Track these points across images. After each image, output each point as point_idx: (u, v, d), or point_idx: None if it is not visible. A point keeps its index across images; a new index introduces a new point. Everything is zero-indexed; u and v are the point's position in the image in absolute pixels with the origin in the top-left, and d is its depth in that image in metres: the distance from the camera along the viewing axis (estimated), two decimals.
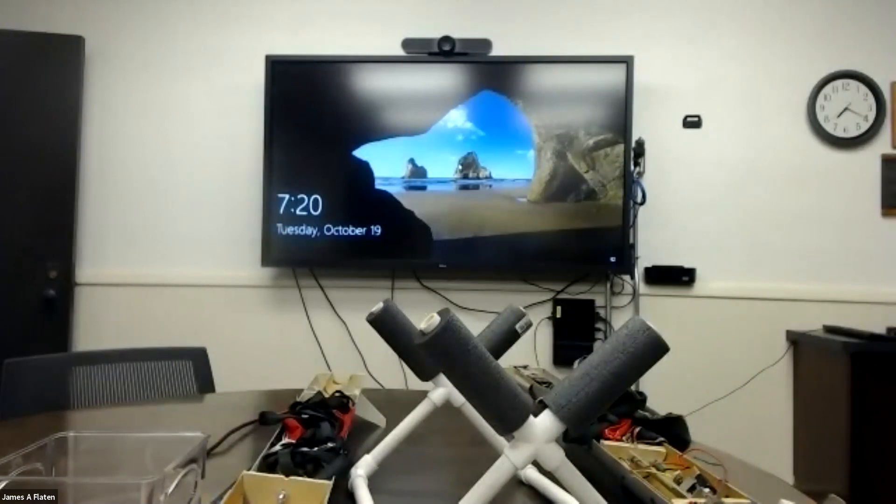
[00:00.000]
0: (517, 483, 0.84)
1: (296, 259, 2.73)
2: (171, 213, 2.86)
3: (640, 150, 2.69)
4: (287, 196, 2.70)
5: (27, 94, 2.73)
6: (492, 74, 2.69)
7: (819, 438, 2.51)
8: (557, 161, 2.66)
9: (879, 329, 2.51)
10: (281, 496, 0.67)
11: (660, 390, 2.40)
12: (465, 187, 2.69)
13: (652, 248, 2.74)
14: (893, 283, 2.67)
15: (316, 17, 2.87)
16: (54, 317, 2.71)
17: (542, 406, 0.52)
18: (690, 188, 2.76)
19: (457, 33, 2.74)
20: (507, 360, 0.81)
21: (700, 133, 2.76)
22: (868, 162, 2.71)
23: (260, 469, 0.74)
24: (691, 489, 0.75)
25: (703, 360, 2.70)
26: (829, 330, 2.59)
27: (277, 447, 0.80)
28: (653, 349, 0.51)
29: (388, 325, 0.83)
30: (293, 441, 0.84)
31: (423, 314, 0.51)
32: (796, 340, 2.67)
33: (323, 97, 2.72)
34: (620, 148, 2.63)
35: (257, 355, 2.80)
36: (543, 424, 0.51)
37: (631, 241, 2.66)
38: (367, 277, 2.81)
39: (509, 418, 0.51)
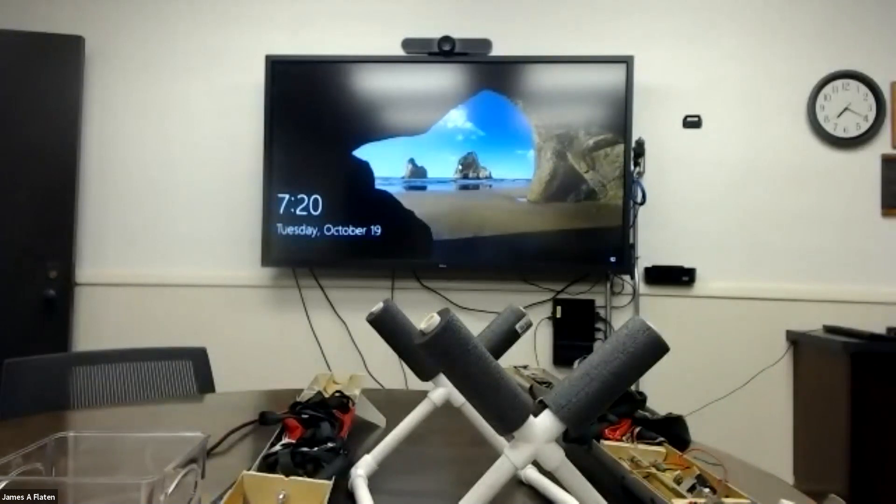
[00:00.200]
0: (517, 483, 0.84)
1: (296, 259, 2.73)
2: (171, 213, 2.86)
3: (640, 150, 2.69)
4: (287, 196, 2.70)
5: (27, 94, 2.73)
6: (492, 74, 2.69)
7: (819, 438, 2.51)
8: (557, 161, 2.66)
9: (879, 329, 2.51)
10: (281, 496, 0.67)
11: (660, 390, 2.40)
12: (465, 187, 2.69)
13: (652, 248, 2.74)
14: (893, 283, 2.67)
15: (316, 17, 2.87)
16: (54, 317, 2.71)
17: (542, 406, 0.52)
18: (690, 188, 2.76)
19: (457, 33, 2.74)
20: (507, 360, 0.81)
21: (700, 133, 2.76)
22: (868, 162, 2.71)
23: (260, 469, 0.74)
24: (691, 489, 0.75)
25: (703, 360, 2.70)
26: (829, 330, 2.59)
27: (277, 447, 0.80)
28: (653, 349, 0.51)
29: (388, 325, 0.83)
30: (293, 441, 0.84)
31: (423, 314, 0.51)
32: (796, 340, 2.67)
33: (323, 97, 2.72)
34: (620, 148, 2.63)
35: (257, 355, 2.80)
36: (543, 424, 0.51)
37: (631, 241, 2.66)
38: (367, 277, 2.81)
39: (509, 418, 0.51)
